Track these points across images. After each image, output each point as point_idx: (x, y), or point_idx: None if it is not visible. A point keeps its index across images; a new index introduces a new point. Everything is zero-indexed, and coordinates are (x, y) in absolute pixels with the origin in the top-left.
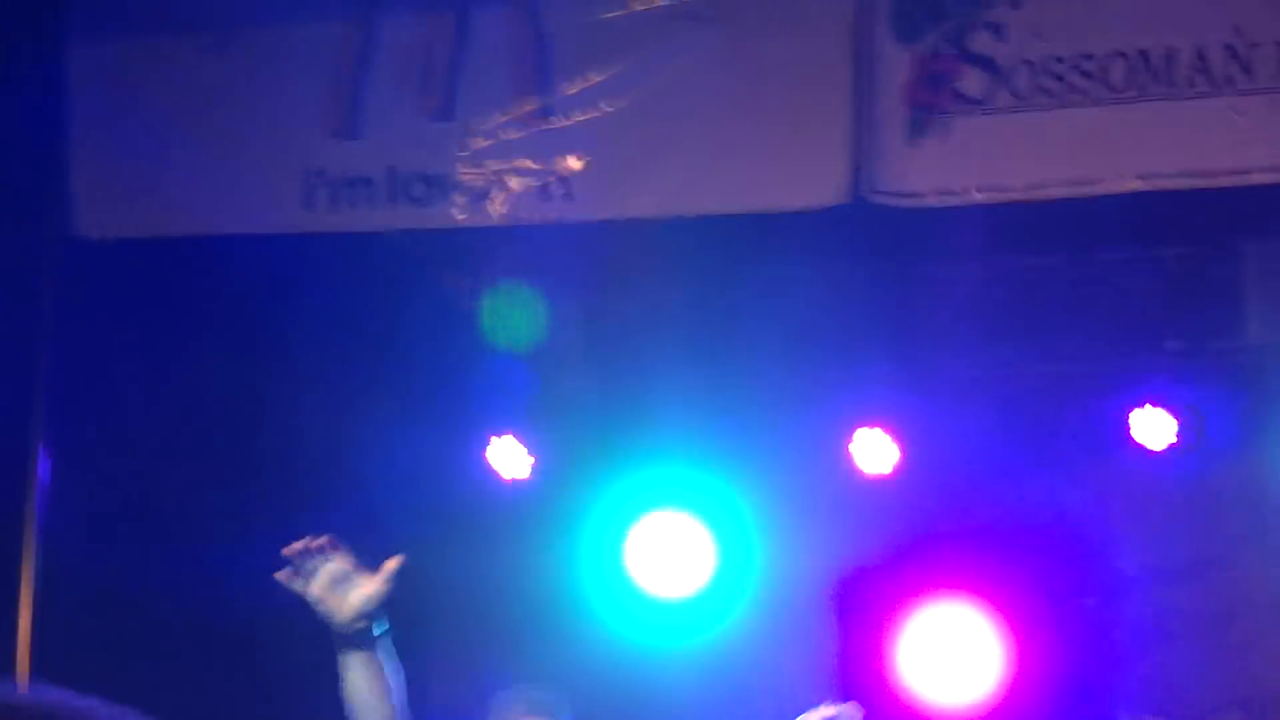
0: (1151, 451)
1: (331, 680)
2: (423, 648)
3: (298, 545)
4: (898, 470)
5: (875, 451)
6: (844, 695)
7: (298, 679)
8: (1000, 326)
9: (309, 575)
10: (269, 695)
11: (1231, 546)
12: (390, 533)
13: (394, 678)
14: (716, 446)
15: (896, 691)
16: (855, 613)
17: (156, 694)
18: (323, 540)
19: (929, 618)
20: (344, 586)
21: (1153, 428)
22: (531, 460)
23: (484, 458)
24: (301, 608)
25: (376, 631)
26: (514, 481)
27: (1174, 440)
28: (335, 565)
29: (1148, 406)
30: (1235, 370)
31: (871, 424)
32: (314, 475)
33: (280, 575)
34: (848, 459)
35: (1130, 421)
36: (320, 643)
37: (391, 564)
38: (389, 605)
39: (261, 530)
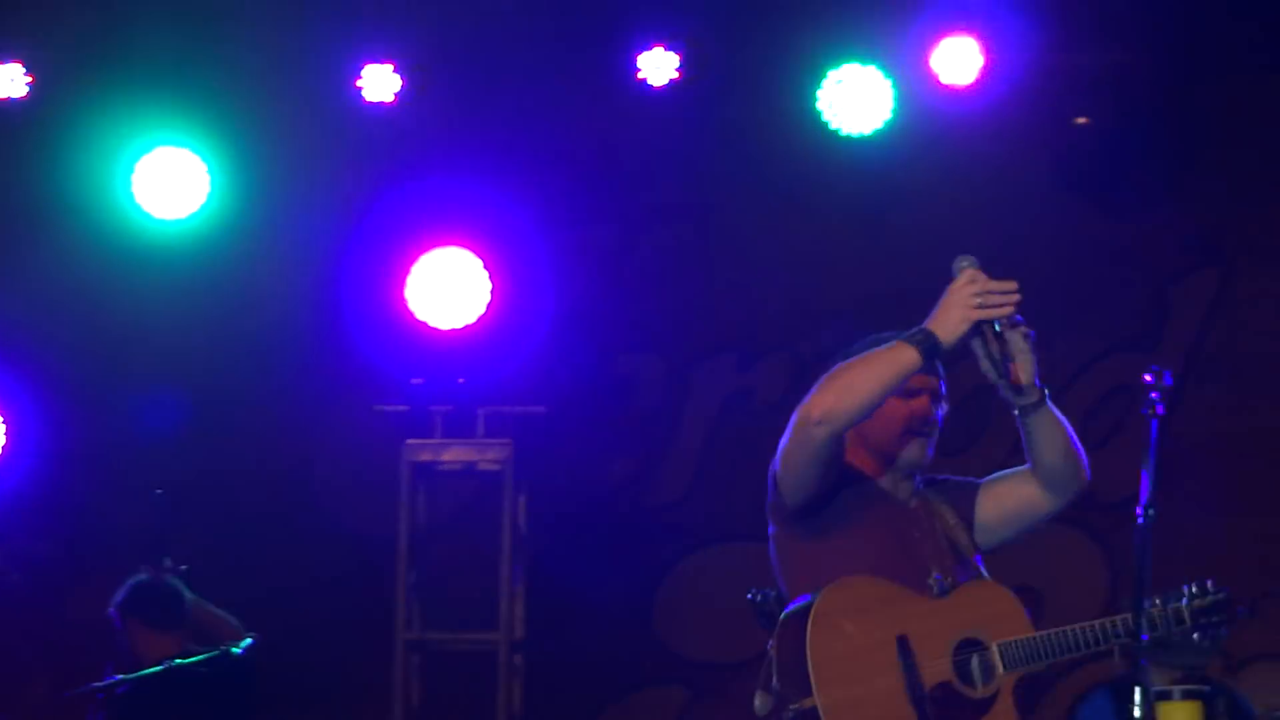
0: (654, 87)
1: None
2: None
3: None
4: (399, 100)
5: (380, 82)
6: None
7: None
8: None
9: None
10: None
11: (728, 187)
12: None
13: None
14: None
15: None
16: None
17: None
18: None
19: (433, 256)
20: None
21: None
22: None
23: None
24: None
25: None
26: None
27: (675, 76)
28: None
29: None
30: (735, 8)
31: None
32: None
33: None
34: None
35: (637, 61)
36: None
37: None
38: None
39: None
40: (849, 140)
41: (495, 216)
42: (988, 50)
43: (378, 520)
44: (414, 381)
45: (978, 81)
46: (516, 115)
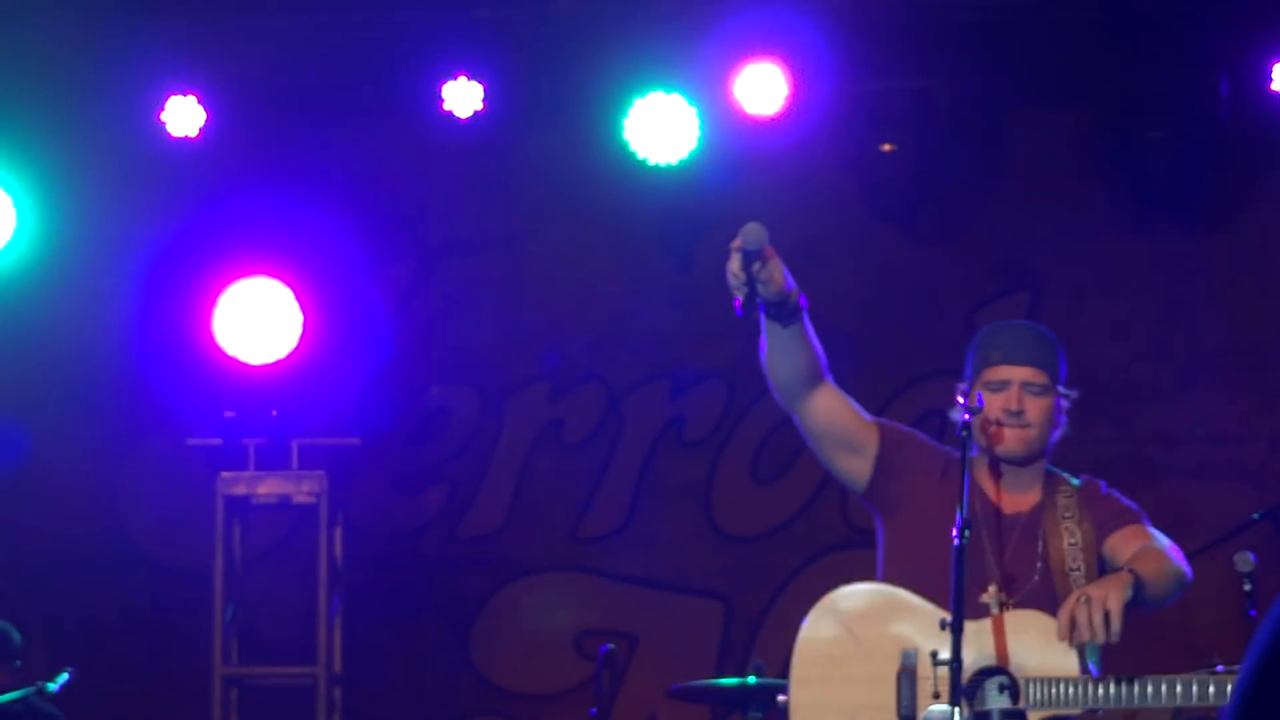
0: (459, 119)
1: None
2: None
3: None
4: (204, 134)
5: (184, 116)
6: None
7: None
8: None
9: None
10: None
11: (535, 218)
12: None
13: None
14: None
15: (211, 353)
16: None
17: None
18: None
19: (240, 287)
20: None
21: (460, 96)
22: None
23: None
24: None
25: None
26: None
27: (479, 107)
28: None
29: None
30: (539, 37)
31: (184, 91)
32: None
33: None
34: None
35: (442, 92)
36: None
37: None
38: None
39: None
40: (655, 170)
41: (305, 249)
42: (793, 77)
43: (193, 554)
44: (226, 415)
45: (784, 109)
46: (324, 146)
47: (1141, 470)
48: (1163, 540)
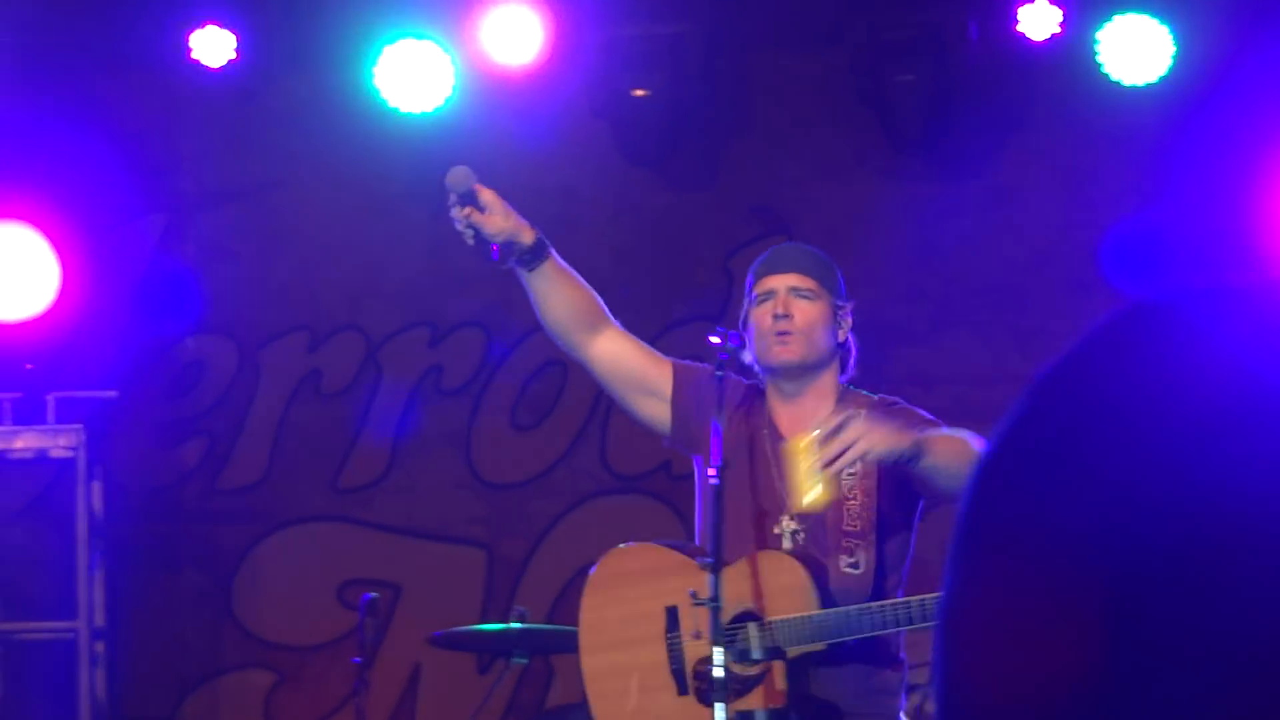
0: (210, 68)
1: None
2: None
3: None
4: None
5: None
6: None
7: None
8: None
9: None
10: None
11: (289, 167)
12: None
13: None
14: None
15: None
16: None
17: None
18: None
19: None
20: None
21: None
22: None
23: None
24: None
25: None
26: None
27: (232, 56)
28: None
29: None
30: None
31: None
32: None
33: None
34: None
35: (189, 41)
36: None
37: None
38: None
39: None
40: (408, 118)
41: (57, 201)
42: (546, 22)
43: None
44: None
45: (537, 55)
46: (75, 97)
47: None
48: (974, 440)
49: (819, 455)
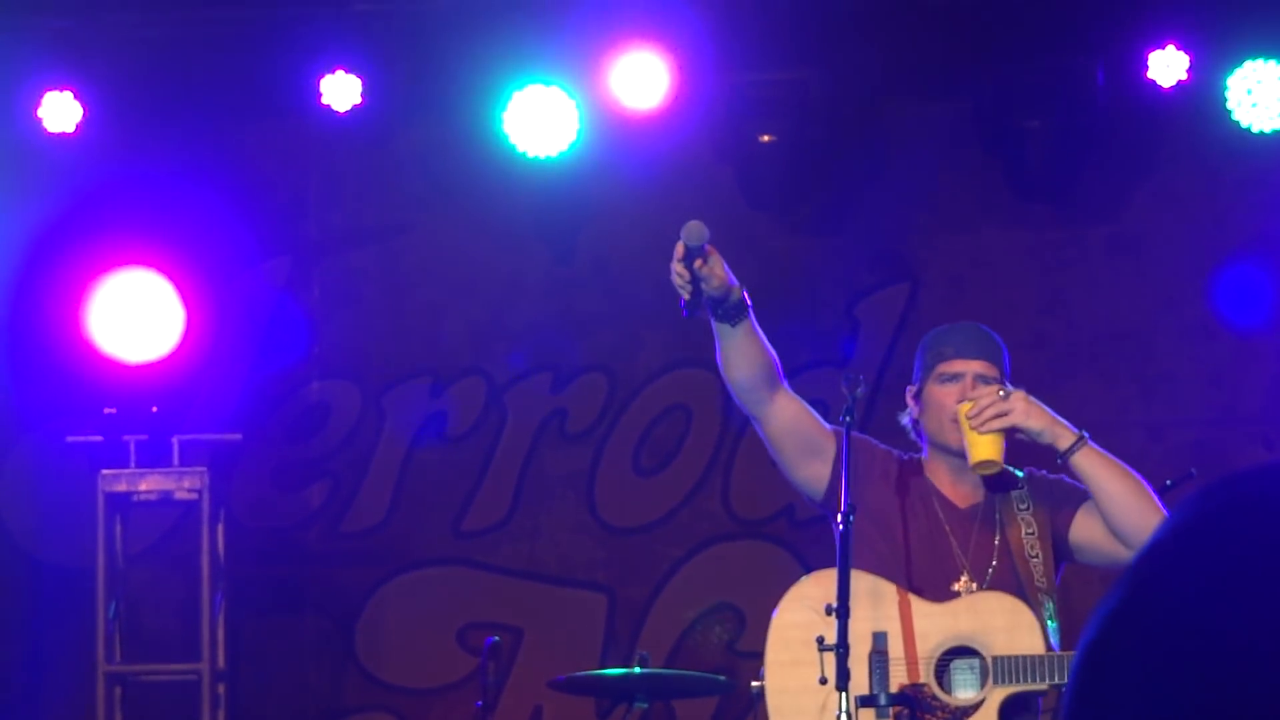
0: (338, 113)
1: None
2: None
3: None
4: (81, 129)
5: (61, 111)
6: None
7: None
8: None
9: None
10: None
11: (414, 211)
12: None
13: None
14: None
15: (90, 349)
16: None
17: None
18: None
19: (115, 282)
20: None
21: (339, 89)
22: None
23: None
24: None
25: None
26: None
27: (358, 101)
28: None
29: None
30: (417, 30)
31: (60, 86)
32: None
33: None
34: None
35: (320, 86)
36: None
37: None
38: None
39: None
40: (534, 162)
41: (185, 244)
42: (672, 68)
43: (75, 552)
44: (106, 411)
45: (663, 100)
46: (202, 141)
47: (1023, 462)
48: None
49: (974, 409)
